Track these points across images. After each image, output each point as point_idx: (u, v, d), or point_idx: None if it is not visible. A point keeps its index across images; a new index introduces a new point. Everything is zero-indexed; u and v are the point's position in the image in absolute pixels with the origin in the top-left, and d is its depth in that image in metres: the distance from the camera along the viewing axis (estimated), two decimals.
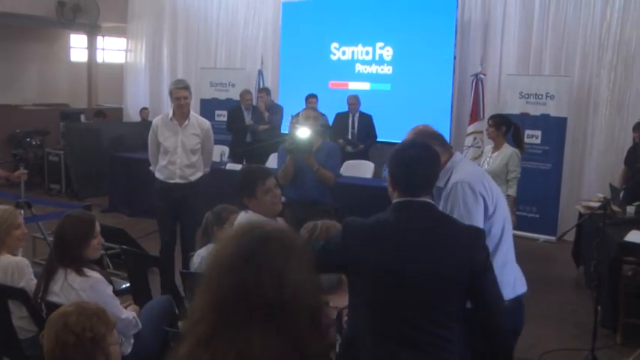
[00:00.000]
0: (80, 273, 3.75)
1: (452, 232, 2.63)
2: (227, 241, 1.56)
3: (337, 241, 2.70)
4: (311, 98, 10.19)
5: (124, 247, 5.48)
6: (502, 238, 3.27)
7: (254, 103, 11.01)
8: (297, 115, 9.56)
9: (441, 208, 3.18)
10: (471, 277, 2.55)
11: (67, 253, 3.81)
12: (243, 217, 3.92)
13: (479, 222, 3.12)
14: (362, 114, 9.98)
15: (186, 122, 6.23)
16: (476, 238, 2.63)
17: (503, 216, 3.31)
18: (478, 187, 3.18)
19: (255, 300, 1.44)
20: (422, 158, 2.67)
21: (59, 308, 2.50)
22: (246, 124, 10.73)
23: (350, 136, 9.90)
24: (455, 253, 2.55)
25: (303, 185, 5.75)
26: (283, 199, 5.79)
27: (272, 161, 9.70)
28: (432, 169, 2.71)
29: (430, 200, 2.70)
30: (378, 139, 10.11)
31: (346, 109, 9.98)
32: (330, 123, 9.94)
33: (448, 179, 3.27)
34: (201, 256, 4.57)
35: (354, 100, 9.98)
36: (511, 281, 3.28)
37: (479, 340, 2.72)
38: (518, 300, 3.32)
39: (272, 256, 1.49)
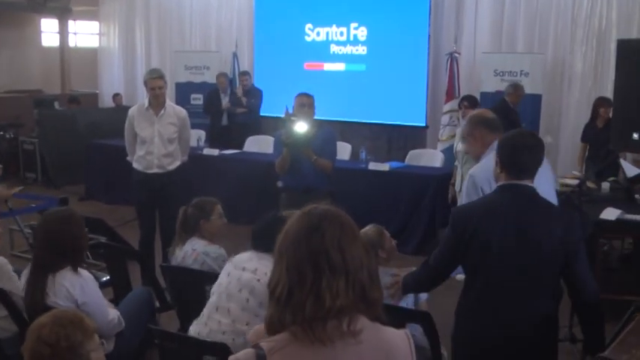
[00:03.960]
0: (75, 271, 3.71)
1: (549, 215, 3.05)
2: (295, 219, 1.89)
3: (449, 235, 3.11)
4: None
5: (104, 240, 5.47)
6: None
7: (231, 86, 10.99)
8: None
9: None
10: (566, 256, 2.97)
11: (62, 254, 3.70)
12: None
13: None
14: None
15: (163, 112, 6.19)
16: (569, 221, 3.04)
17: None
18: (481, 182, 3.55)
19: (323, 263, 1.79)
20: (527, 146, 3.06)
21: (36, 320, 2.44)
22: (222, 107, 10.71)
23: None
24: (552, 234, 2.95)
25: (300, 173, 5.73)
26: (280, 184, 5.86)
27: (249, 144, 9.70)
28: (536, 156, 3.08)
29: (532, 184, 3.05)
30: (354, 120, 10.27)
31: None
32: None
33: None
34: (184, 251, 4.48)
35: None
36: None
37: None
38: None
39: (332, 227, 1.83)
